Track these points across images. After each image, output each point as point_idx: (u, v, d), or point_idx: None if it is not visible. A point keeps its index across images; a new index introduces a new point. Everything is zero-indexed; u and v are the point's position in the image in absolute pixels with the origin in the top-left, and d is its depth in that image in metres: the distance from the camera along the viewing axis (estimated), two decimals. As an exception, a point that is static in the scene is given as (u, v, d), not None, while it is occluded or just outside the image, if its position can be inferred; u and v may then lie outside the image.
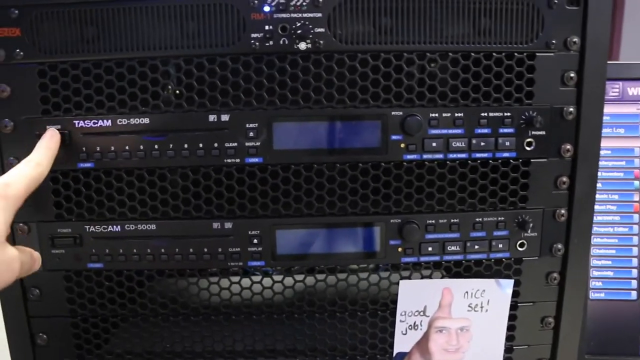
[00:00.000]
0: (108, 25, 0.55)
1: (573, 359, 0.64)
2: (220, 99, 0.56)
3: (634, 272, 0.71)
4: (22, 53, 0.55)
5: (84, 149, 0.57)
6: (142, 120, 0.56)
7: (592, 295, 0.72)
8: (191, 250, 0.59)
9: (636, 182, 0.70)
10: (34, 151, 0.53)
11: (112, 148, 0.57)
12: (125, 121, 0.56)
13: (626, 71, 0.69)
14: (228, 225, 0.58)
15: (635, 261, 0.71)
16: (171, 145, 0.56)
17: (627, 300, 0.71)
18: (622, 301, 0.71)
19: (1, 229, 0.46)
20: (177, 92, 0.57)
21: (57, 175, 0.58)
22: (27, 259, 0.50)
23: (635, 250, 0.71)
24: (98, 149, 0.57)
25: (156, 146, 0.57)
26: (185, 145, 0.56)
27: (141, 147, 0.57)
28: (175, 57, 0.56)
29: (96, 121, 0.57)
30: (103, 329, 0.63)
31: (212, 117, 0.56)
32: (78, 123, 0.57)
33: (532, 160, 0.59)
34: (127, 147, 0.57)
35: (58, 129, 0.56)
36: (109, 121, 0.57)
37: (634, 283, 0.71)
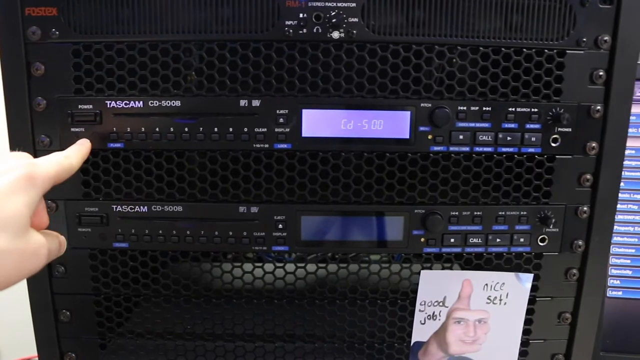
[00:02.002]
0: (143, 7, 0.56)
1: (588, 356, 0.64)
2: (252, 85, 0.57)
3: (652, 271, 0.72)
4: (57, 32, 0.56)
5: (114, 129, 0.58)
6: (173, 103, 0.57)
7: (610, 293, 0.72)
8: (216, 233, 0.59)
9: (658, 183, 0.71)
10: (68, 149, 0.53)
11: (143, 129, 0.57)
12: (156, 103, 0.57)
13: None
14: (254, 209, 0.59)
15: (654, 261, 0.72)
16: (201, 128, 0.57)
17: (644, 300, 0.72)
18: (639, 300, 0.72)
19: (23, 213, 0.42)
20: (202, 79, 0.58)
21: (86, 155, 0.58)
22: (55, 245, 0.48)
23: (654, 250, 0.72)
24: (128, 129, 0.58)
25: (186, 129, 0.57)
26: (216, 129, 0.57)
27: (171, 129, 0.57)
28: (209, 41, 0.56)
29: (128, 102, 0.57)
30: (125, 308, 0.64)
31: (243, 102, 0.57)
32: (110, 103, 0.57)
33: (556, 156, 0.59)
34: (157, 129, 0.57)
35: (89, 109, 0.57)
36: (141, 102, 0.57)
37: (652, 283, 0.72)
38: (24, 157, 0.48)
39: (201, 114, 0.57)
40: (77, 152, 0.53)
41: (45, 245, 0.45)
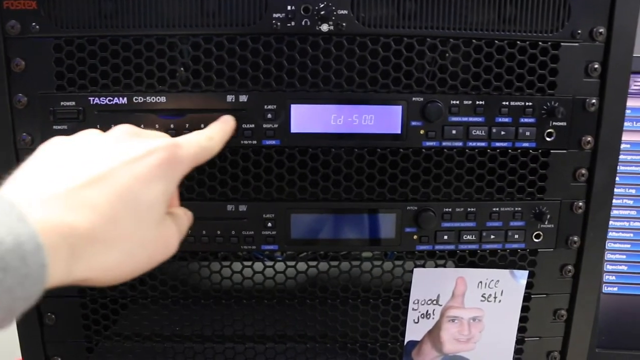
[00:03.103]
0: (126, 0, 0.54)
1: (584, 352, 0.64)
2: (239, 80, 0.55)
3: (648, 267, 0.71)
4: (37, 27, 0.54)
5: (98, 126, 0.55)
6: (158, 99, 0.55)
7: (605, 289, 0.71)
8: (204, 232, 0.58)
9: (653, 177, 0.70)
10: (208, 127, 0.51)
11: (127, 126, 0.56)
12: (141, 99, 0.56)
13: (649, 64, 0.68)
14: (242, 208, 0.58)
15: (649, 256, 0.71)
16: (188, 125, 0.55)
17: (640, 296, 0.71)
18: (635, 296, 0.71)
19: (160, 202, 0.40)
20: (188, 74, 0.56)
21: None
22: (184, 227, 0.47)
23: (649, 245, 0.71)
24: (113, 126, 0.55)
25: (172, 125, 0.56)
26: (202, 126, 0.55)
27: (157, 126, 0.56)
28: (195, 35, 0.55)
29: (112, 99, 0.56)
30: (112, 310, 0.62)
31: (230, 98, 0.55)
32: (93, 100, 0.56)
33: (551, 151, 0.58)
34: (142, 126, 0.55)
35: (72, 106, 0.56)
36: (125, 99, 0.56)
37: (647, 278, 0.71)
38: (162, 135, 0.45)
39: (187, 110, 0.55)
40: (221, 133, 0.50)
41: (176, 234, 0.44)
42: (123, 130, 0.44)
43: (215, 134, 0.49)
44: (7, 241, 0.30)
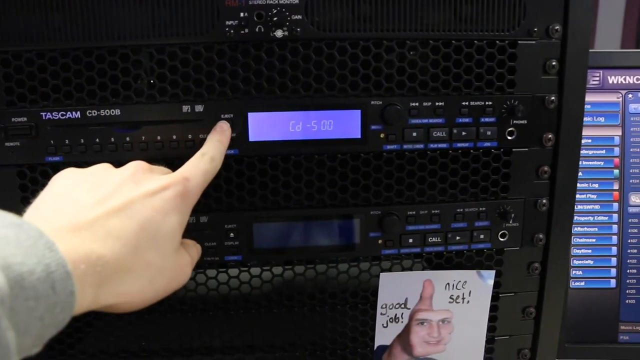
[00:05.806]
0: (75, 12, 0.52)
1: (554, 348, 0.64)
2: (194, 89, 0.54)
3: (614, 260, 0.71)
4: (-18, 42, 0.53)
5: (52, 141, 0.54)
6: (112, 112, 0.54)
7: (573, 284, 0.72)
8: (166, 245, 0.57)
9: (616, 171, 0.70)
10: (206, 144, 0.51)
11: (82, 141, 0.54)
12: (95, 113, 0.54)
13: (607, 59, 0.69)
14: (203, 219, 0.57)
15: (614, 250, 0.71)
16: (143, 137, 0.54)
17: (607, 289, 0.72)
18: (601, 289, 0.72)
19: (177, 232, 0.43)
20: (151, 81, 0.55)
21: (24, 170, 0.55)
22: (196, 257, 0.49)
23: (614, 238, 0.71)
24: (67, 141, 0.54)
25: (127, 138, 0.54)
26: (158, 137, 0.54)
27: (112, 139, 0.54)
28: (147, 46, 0.53)
29: (64, 113, 0.54)
30: (76, 328, 0.61)
31: (185, 108, 0.54)
32: (45, 115, 0.54)
33: (513, 149, 0.58)
34: (97, 140, 0.55)
35: (24, 121, 0.54)
36: (78, 113, 0.54)
37: (614, 271, 0.72)
38: (166, 170, 0.48)
39: (142, 122, 0.54)
40: (218, 147, 0.50)
41: (190, 263, 0.46)
42: (137, 166, 0.46)
43: (216, 153, 0.50)
44: (37, 270, 0.31)
